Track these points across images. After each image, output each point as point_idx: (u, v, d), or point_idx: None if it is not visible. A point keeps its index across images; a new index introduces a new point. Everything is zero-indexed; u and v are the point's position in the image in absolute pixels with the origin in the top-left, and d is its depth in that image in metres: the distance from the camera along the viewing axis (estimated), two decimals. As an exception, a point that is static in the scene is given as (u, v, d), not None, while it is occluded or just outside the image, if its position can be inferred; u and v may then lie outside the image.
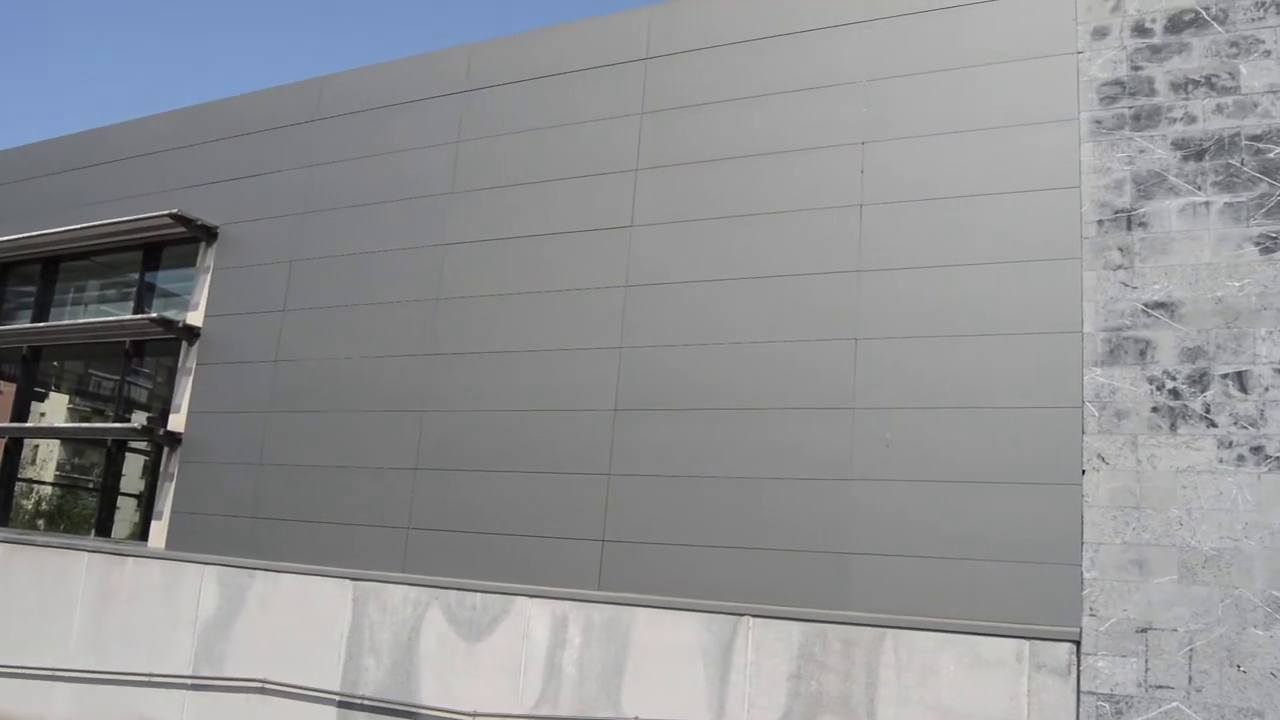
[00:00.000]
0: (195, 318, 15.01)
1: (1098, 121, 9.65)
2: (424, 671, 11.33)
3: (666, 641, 10.17)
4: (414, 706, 11.24)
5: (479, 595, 11.25)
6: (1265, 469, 8.52)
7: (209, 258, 15.17)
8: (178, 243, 15.74)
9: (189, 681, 12.70)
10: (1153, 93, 9.52)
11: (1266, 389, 8.65)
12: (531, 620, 10.89)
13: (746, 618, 9.89)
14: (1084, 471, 9.02)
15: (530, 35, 13.15)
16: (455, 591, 11.38)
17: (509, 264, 12.30)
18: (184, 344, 14.97)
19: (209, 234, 15.19)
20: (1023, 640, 8.90)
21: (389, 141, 13.77)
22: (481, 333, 12.29)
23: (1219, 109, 9.28)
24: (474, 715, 10.78)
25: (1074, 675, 8.73)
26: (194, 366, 14.75)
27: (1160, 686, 8.44)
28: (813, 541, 9.90)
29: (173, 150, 16.01)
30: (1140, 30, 9.71)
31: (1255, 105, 9.17)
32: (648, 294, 11.33)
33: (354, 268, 13.55)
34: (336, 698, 11.72)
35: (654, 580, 10.53)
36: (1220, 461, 8.65)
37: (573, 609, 10.72)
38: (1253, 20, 9.34)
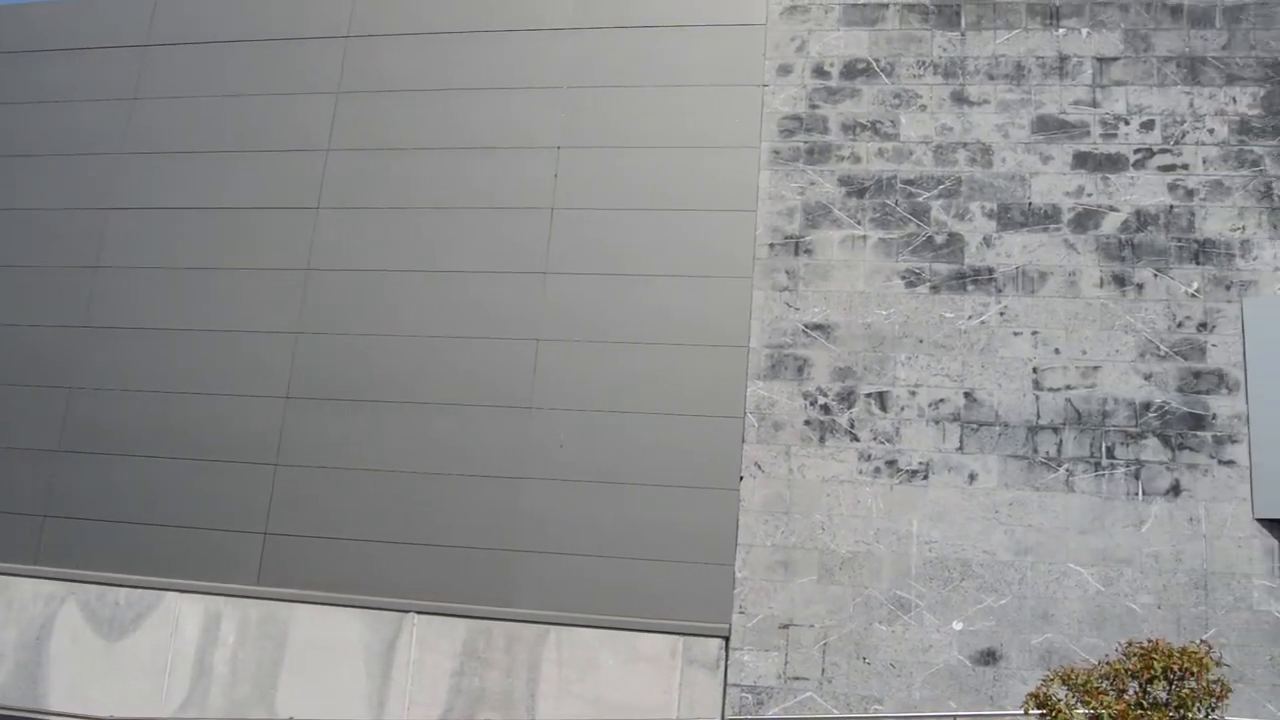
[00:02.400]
0: None
1: (776, 152, 10.32)
2: (54, 674, 10.34)
3: (328, 639, 9.85)
4: (38, 713, 10.23)
5: (123, 590, 10.42)
6: (897, 480, 9.42)
7: None
8: None
9: None
10: (826, 131, 10.30)
11: (902, 409, 9.58)
12: (181, 617, 10.22)
13: (412, 614, 9.76)
14: (742, 478, 9.60)
15: (222, -5, 12.35)
16: (96, 586, 10.48)
17: (180, 235, 11.47)
18: None
19: None
20: (678, 636, 9.36)
21: (53, 89, 12.46)
22: (144, 307, 11.37)
23: (880, 153, 10.18)
24: (108, 720, 9.98)
25: (722, 669, 9.26)
26: None
27: (797, 678, 9.12)
28: (484, 539, 9.92)
29: None
30: (820, 72, 10.47)
31: (911, 153, 10.14)
32: (330, 279, 10.93)
33: (-1, 224, 12.15)
34: (-57, 704, 10.47)
35: (319, 576, 10.15)
36: (860, 473, 9.49)
37: (228, 605, 10.15)
38: (914, 76, 10.32)
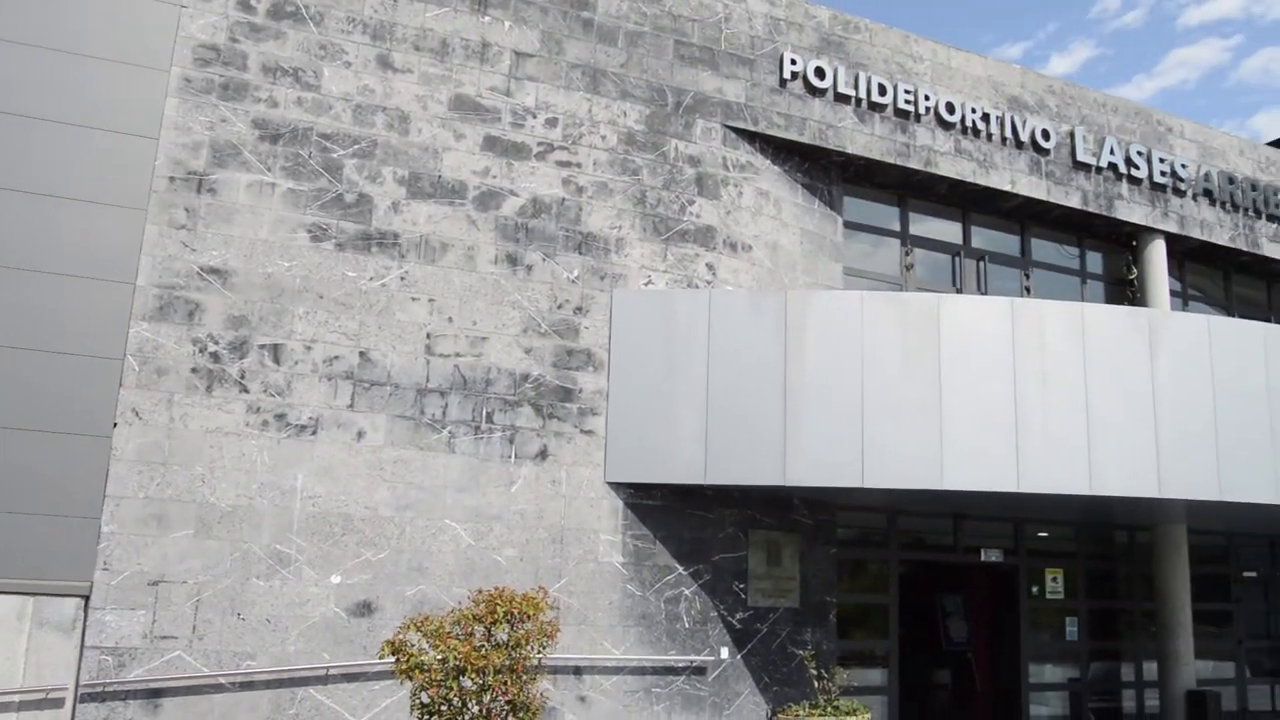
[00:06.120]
0: None
1: (188, 80, 9.68)
2: None
3: None
4: None
5: None
6: (284, 435, 9.36)
7: None
8: None
9: None
10: (245, 68, 9.87)
11: (296, 363, 9.52)
12: None
13: None
14: (116, 425, 8.91)
15: None
16: None
17: None
18: None
19: None
20: (26, 597, 8.47)
21: None
22: None
23: (300, 102, 9.99)
24: None
25: (79, 630, 8.56)
26: None
27: (165, 637, 8.71)
28: None
29: None
30: (245, 6, 10.00)
31: (330, 107, 10.08)
32: None
33: None
34: None
35: None
36: (247, 425, 9.27)
37: None
38: (343, 31, 10.26)
